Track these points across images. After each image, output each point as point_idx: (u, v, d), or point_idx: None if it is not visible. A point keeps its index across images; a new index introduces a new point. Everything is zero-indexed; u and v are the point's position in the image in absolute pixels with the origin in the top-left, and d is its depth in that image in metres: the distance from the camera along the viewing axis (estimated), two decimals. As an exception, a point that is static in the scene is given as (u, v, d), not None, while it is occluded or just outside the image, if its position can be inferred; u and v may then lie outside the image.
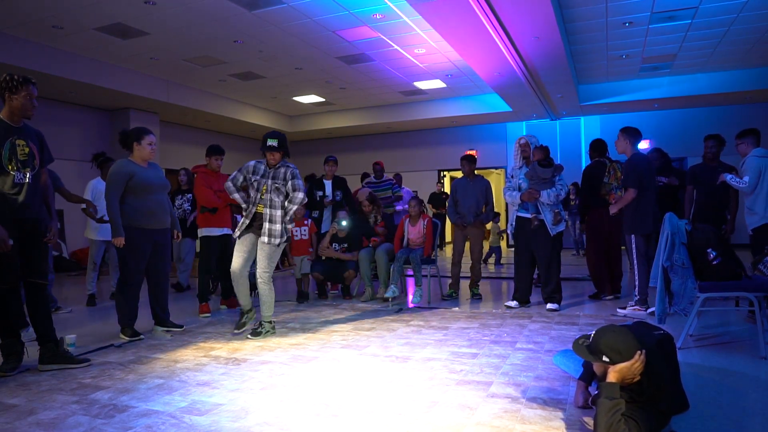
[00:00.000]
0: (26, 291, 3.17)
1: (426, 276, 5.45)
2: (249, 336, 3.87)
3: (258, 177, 3.93)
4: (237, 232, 3.97)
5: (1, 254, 2.96)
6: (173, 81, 9.88)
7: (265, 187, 3.90)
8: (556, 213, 4.66)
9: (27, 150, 3.11)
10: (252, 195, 3.94)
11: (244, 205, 3.99)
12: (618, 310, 4.49)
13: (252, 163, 3.99)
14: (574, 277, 6.96)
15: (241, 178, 3.97)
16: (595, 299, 5.27)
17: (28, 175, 3.11)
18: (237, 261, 3.97)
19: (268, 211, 3.87)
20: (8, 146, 3.01)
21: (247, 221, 3.92)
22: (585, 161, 12.11)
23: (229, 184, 4.02)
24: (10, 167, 3.02)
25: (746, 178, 4.20)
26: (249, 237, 3.95)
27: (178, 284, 6.41)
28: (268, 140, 3.89)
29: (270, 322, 3.97)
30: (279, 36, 7.53)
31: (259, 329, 3.91)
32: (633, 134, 4.48)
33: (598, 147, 5.43)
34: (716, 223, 4.91)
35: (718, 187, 4.86)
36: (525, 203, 4.74)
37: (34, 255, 3.17)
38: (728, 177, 4.32)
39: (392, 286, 5.20)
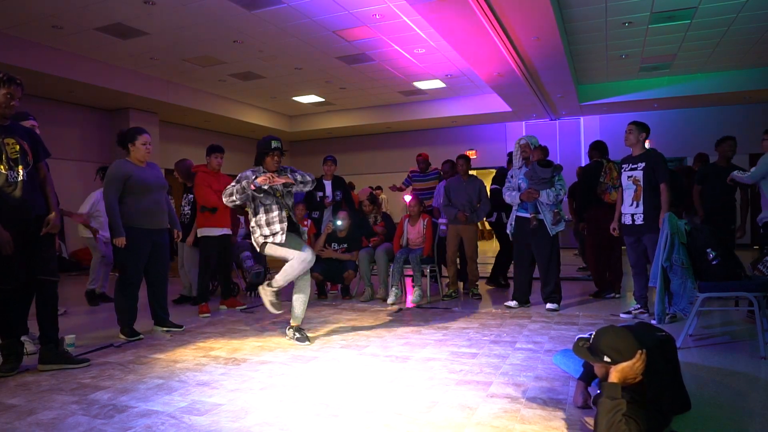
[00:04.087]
0: (36, 289, 3.16)
1: (426, 276, 5.45)
2: (299, 342, 3.67)
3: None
4: (280, 237, 3.61)
5: (2, 255, 2.95)
6: (173, 81, 9.88)
7: (279, 193, 3.71)
8: (556, 213, 4.66)
9: (17, 147, 3.05)
10: (269, 201, 3.66)
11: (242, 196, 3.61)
12: None
13: (248, 172, 3.64)
14: (574, 276, 6.95)
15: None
16: (597, 298, 5.28)
17: (21, 173, 3.05)
18: (300, 251, 3.65)
19: (290, 213, 3.76)
20: None
21: (285, 226, 3.64)
22: (585, 161, 12.13)
23: (233, 190, 3.60)
24: (1, 167, 2.97)
25: (752, 170, 4.21)
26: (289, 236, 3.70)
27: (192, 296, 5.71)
28: (273, 142, 3.68)
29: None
30: (279, 36, 7.53)
31: (305, 333, 3.78)
32: (647, 129, 4.34)
33: (598, 147, 5.43)
34: (725, 223, 4.91)
35: (727, 187, 4.87)
36: (524, 203, 4.74)
37: (41, 253, 3.14)
38: (734, 174, 4.33)
39: (394, 289, 5.20)
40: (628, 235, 4.38)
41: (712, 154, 5.38)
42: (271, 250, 3.70)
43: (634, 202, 4.26)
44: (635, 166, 4.29)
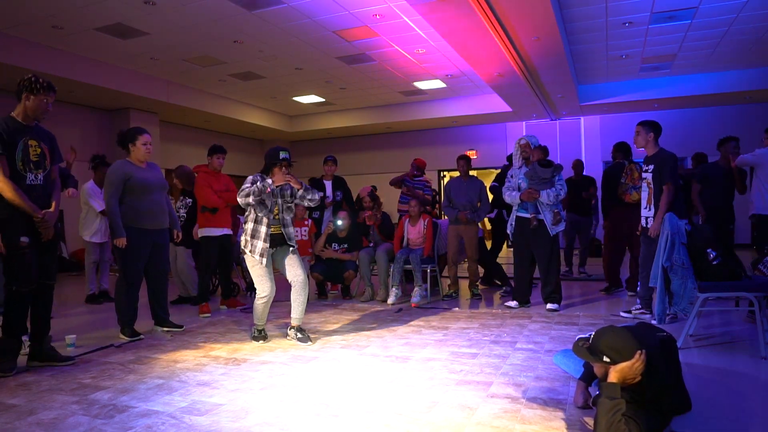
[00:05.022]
0: (36, 291, 3.16)
1: (426, 276, 5.45)
2: (301, 342, 3.68)
3: (269, 196, 3.65)
4: (257, 257, 3.62)
5: (20, 257, 2.95)
6: (173, 81, 9.88)
7: (277, 209, 3.72)
8: (556, 213, 4.66)
9: (39, 150, 3.09)
10: (264, 215, 3.65)
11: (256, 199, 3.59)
12: None
13: (257, 177, 3.66)
14: (574, 277, 6.95)
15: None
16: (606, 293, 5.44)
17: (39, 176, 3.09)
18: (270, 285, 3.72)
19: (284, 230, 3.76)
20: (21, 147, 3.00)
21: (267, 246, 3.63)
22: (585, 162, 12.10)
23: (250, 190, 3.56)
24: (22, 168, 3.00)
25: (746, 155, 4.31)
26: (269, 259, 3.72)
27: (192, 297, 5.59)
28: (281, 152, 3.65)
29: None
30: (279, 36, 7.52)
31: (307, 333, 3.79)
32: (656, 127, 4.22)
33: (622, 148, 5.58)
34: (724, 223, 4.91)
35: (727, 187, 4.90)
36: (524, 203, 4.74)
37: (46, 257, 3.16)
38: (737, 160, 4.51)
39: (394, 290, 5.22)
40: (644, 235, 4.34)
41: (714, 154, 5.40)
42: (247, 262, 3.74)
43: (648, 205, 4.22)
44: (647, 168, 4.23)
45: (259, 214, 3.66)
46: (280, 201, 3.74)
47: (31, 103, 3.03)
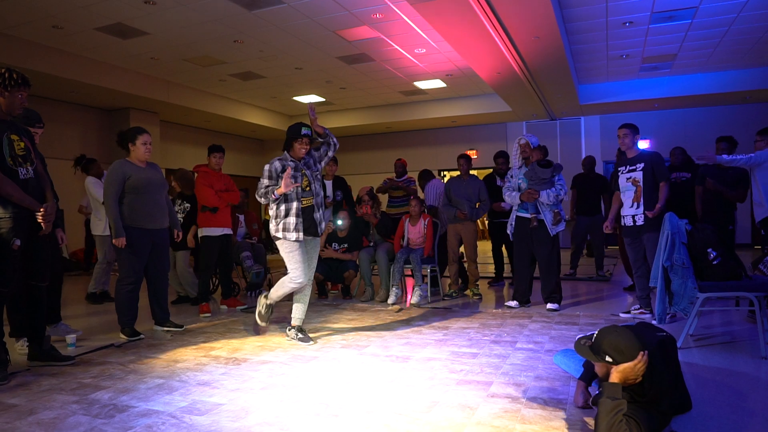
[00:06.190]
0: (27, 293, 3.12)
1: (426, 275, 5.45)
2: (301, 342, 3.68)
3: (293, 172, 3.61)
4: (292, 235, 3.56)
5: (6, 259, 2.89)
6: (173, 81, 9.88)
7: (306, 180, 3.70)
8: (556, 213, 4.66)
9: (22, 144, 3.00)
10: (293, 193, 3.62)
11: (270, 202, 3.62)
12: None
13: (275, 163, 3.62)
14: (575, 277, 6.94)
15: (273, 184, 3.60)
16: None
17: (30, 170, 3.00)
18: (303, 270, 3.63)
19: (314, 200, 3.73)
20: (6, 141, 2.90)
21: (300, 220, 3.59)
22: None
23: (262, 193, 3.61)
24: (12, 163, 2.91)
25: (744, 155, 4.24)
26: (304, 243, 3.66)
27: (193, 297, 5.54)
28: (303, 128, 3.67)
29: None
30: (279, 36, 7.53)
31: (307, 333, 3.79)
32: (638, 129, 4.40)
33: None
34: (725, 222, 4.93)
35: (728, 186, 4.90)
36: (524, 203, 4.74)
37: (35, 256, 3.10)
38: (725, 157, 4.24)
39: (395, 289, 5.21)
40: (627, 236, 4.39)
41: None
42: (280, 248, 3.68)
43: (635, 204, 4.28)
44: (633, 167, 4.30)
45: (288, 193, 3.61)
46: (308, 172, 3.72)
47: (6, 100, 2.93)
